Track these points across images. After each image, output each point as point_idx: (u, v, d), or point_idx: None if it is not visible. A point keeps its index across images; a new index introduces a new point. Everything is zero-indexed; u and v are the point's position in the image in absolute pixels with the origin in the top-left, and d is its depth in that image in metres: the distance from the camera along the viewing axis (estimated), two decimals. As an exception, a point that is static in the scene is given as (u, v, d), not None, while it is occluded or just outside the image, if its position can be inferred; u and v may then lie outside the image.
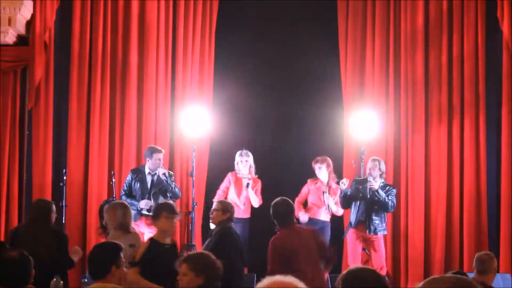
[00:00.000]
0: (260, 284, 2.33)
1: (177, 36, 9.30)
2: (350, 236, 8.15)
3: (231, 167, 8.87)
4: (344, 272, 3.01)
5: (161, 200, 8.18)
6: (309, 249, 5.83)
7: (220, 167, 9.20)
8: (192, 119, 8.93)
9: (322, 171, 8.56)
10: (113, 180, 8.62)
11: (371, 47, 9.27)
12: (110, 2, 9.22)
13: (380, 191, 8.01)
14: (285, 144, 9.49)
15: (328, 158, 8.64)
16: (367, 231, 8.04)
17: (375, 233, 8.04)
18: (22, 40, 9.03)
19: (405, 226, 9.00)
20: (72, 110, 9.09)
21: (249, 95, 9.45)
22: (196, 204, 8.82)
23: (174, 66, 9.32)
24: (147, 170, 8.29)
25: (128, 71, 9.18)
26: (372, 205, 8.04)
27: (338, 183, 8.43)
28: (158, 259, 5.54)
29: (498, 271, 6.71)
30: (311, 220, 8.51)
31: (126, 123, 9.16)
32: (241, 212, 8.44)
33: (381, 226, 8.09)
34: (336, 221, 8.83)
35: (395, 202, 8.16)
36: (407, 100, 9.16)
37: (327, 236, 8.49)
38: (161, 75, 9.23)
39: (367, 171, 8.17)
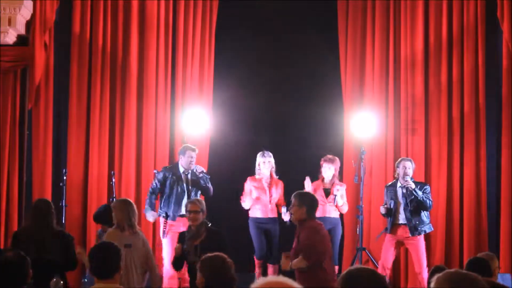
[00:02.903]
0: (254, 285, 2.33)
1: (177, 36, 9.30)
2: (385, 239, 8.18)
3: (231, 167, 8.85)
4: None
5: (194, 197, 8.02)
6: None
7: (220, 167, 9.21)
8: (192, 119, 8.94)
9: (330, 171, 8.53)
10: (113, 180, 8.63)
11: (371, 47, 9.27)
12: (110, 2, 9.22)
13: (418, 190, 8.01)
14: (285, 144, 9.49)
15: (338, 160, 8.61)
16: (410, 233, 8.02)
17: (413, 234, 8.01)
18: (22, 40, 9.03)
19: (405, 226, 9.00)
20: (72, 110, 9.09)
21: (249, 95, 9.45)
22: (196, 204, 8.80)
23: (174, 66, 9.32)
24: (181, 169, 8.15)
25: (128, 71, 9.18)
26: (409, 206, 8.03)
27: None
28: None
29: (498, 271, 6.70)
30: (322, 218, 8.45)
31: (126, 123, 9.16)
32: (269, 211, 8.43)
33: (421, 225, 8.05)
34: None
35: (431, 199, 8.14)
36: (407, 100, 9.16)
37: (339, 234, 8.47)
38: (161, 75, 9.23)
39: (401, 170, 8.11)
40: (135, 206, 6.59)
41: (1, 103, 8.84)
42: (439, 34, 9.13)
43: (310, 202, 6.22)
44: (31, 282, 4.21)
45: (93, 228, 8.83)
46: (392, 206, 8.11)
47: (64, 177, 8.52)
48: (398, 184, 8.16)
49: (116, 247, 4.24)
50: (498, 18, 8.84)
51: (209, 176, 8.24)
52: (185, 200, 7.88)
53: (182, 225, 8.08)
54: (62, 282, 5.53)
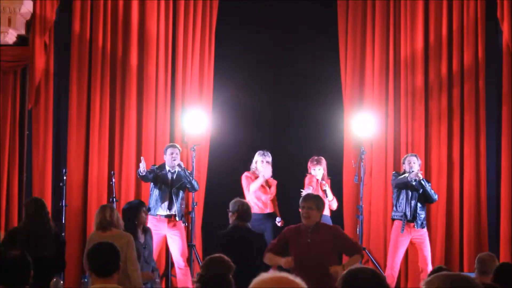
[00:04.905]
0: (256, 280, 2.32)
1: (177, 36, 9.30)
2: (399, 229, 8.19)
3: (231, 167, 8.84)
4: (344, 272, 3.02)
5: (182, 195, 8.28)
6: None
7: (220, 167, 9.21)
8: (192, 119, 8.94)
9: (320, 172, 8.58)
10: (113, 180, 8.63)
11: (371, 47, 9.27)
12: (110, 2, 9.22)
13: (425, 182, 8.22)
14: (284, 144, 9.49)
15: (324, 159, 8.65)
16: (415, 225, 8.16)
17: (423, 227, 8.21)
18: (22, 40, 9.03)
19: (405, 226, 9.00)
20: (72, 110, 9.08)
21: (249, 95, 9.45)
22: (196, 204, 8.82)
23: (174, 66, 9.32)
24: (167, 168, 8.31)
25: (128, 71, 9.18)
26: (416, 198, 8.19)
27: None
28: None
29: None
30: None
31: (126, 123, 9.16)
32: (265, 208, 8.53)
33: (424, 219, 8.26)
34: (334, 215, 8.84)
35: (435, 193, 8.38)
36: (407, 100, 9.15)
37: None
38: (161, 75, 9.23)
39: (407, 165, 8.25)
40: (110, 209, 6.52)
41: (1, 103, 8.85)
42: (439, 34, 9.13)
43: (324, 205, 6.32)
44: (31, 282, 4.21)
45: (93, 228, 8.82)
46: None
47: (64, 177, 8.52)
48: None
49: (116, 247, 4.24)
50: (498, 18, 8.84)
51: (189, 171, 8.44)
52: (168, 198, 8.17)
53: (167, 227, 8.14)
54: (62, 282, 5.53)
